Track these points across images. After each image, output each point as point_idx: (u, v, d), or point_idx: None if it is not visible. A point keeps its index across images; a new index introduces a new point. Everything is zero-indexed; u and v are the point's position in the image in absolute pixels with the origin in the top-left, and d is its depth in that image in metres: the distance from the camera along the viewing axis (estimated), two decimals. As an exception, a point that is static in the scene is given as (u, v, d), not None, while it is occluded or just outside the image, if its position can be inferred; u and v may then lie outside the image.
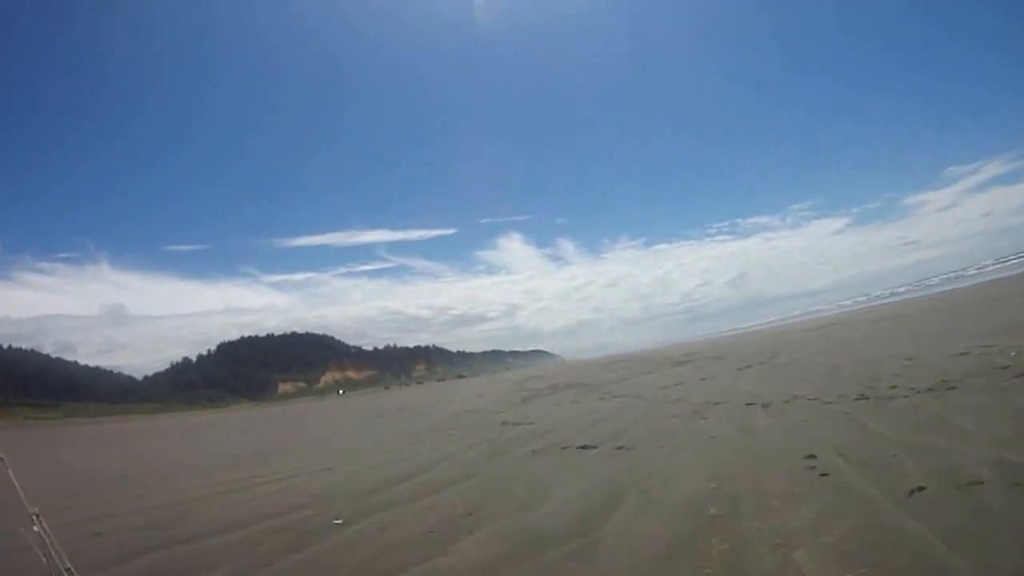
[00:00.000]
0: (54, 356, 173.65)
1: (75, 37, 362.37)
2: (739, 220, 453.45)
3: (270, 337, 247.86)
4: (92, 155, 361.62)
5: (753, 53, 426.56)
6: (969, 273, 74.87)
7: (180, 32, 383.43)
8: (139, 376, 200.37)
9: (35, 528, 3.63)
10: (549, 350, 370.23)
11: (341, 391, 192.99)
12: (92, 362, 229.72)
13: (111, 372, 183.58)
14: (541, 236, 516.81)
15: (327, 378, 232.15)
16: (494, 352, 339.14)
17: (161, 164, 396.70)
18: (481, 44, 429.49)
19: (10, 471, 3.83)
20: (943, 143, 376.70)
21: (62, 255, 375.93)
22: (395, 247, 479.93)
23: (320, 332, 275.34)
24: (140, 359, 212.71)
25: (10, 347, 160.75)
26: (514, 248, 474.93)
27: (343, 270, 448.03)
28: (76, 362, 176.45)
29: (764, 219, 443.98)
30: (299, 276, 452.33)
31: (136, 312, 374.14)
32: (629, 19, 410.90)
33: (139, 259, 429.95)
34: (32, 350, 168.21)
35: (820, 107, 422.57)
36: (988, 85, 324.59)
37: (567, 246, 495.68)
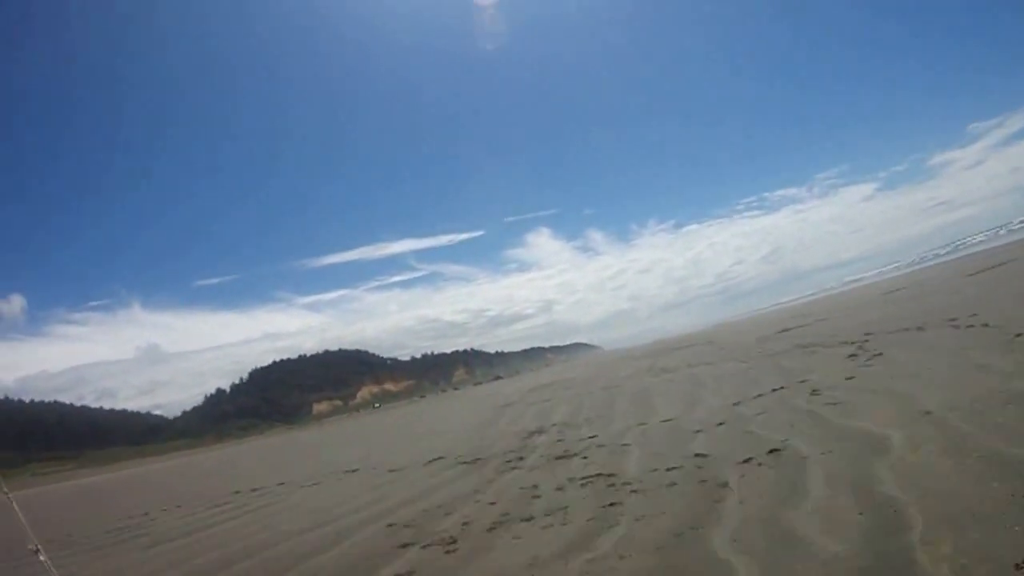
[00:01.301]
0: (79, 404, 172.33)
1: (89, 89, 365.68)
2: (767, 194, 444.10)
3: (302, 358, 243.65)
4: (113, 202, 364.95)
5: (766, 30, 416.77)
6: (1007, 231, 66.26)
7: (193, 69, 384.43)
8: (180, 411, 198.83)
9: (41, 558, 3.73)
10: (588, 342, 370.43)
11: (376, 405, 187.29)
12: (134, 404, 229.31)
13: (137, 414, 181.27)
14: (569, 229, 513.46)
15: (363, 393, 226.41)
16: (534, 349, 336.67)
17: (182, 202, 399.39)
18: (491, 46, 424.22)
19: (15, 504, 3.99)
20: (962, 100, 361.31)
21: (93, 303, 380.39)
22: (424, 255, 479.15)
23: (355, 348, 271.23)
24: (182, 395, 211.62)
25: (31, 401, 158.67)
26: (543, 243, 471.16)
27: (375, 284, 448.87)
28: (102, 407, 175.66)
29: (792, 191, 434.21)
30: (332, 294, 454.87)
31: (172, 350, 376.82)
32: (639, 5, 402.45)
33: (170, 297, 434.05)
34: (55, 401, 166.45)
35: (836, 76, 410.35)
36: (1002, 39, 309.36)
37: (596, 236, 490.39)
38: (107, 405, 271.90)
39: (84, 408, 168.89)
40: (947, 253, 68.66)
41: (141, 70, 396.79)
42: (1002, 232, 65.74)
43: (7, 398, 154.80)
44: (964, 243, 74.67)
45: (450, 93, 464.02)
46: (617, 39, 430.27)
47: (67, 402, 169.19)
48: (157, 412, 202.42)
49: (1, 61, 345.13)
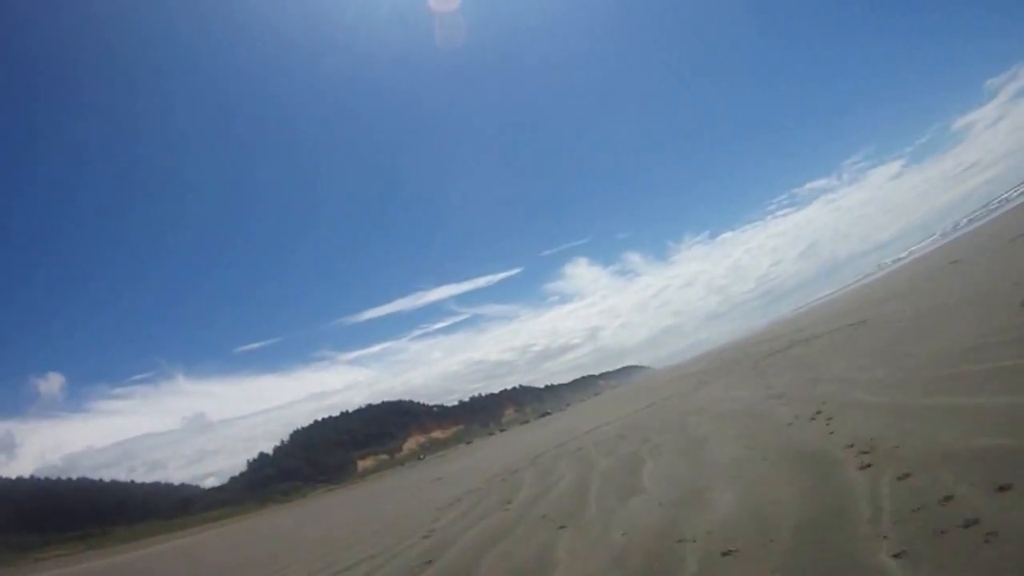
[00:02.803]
0: (126, 479, 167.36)
1: (118, 159, 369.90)
2: (796, 189, 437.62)
3: (344, 415, 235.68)
4: (148, 274, 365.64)
5: (773, 29, 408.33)
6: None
7: (218, 136, 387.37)
8: (228, 479, 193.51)
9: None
10: (639, 363, 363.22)
11: (421, 456, 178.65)
12: (185, 473, 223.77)
13: (170, 485, 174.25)
14: (606, 254, 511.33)
15: (410, 444, 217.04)
16: (584, 379, 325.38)
17: (218, 269, 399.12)
18: (508, 79, 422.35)
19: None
20: (974, 58, 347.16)
21: (136, 377, 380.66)
22: (464, 299, 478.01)
23: (398, 399, 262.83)
24: (233, 461, 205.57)
25: (59, 479, 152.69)
26: (581, 272, 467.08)
27: (418, 332, 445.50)
28: (133, 481, 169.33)
29: (821, 182, 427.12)
30: (375, 348, 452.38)
31: (218, 417, 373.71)
32: (658, 17, 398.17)
33: (213, 365, 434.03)
34: (81, 478, 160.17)
35: (847, 60, 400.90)
36: None
37: (634, 258, 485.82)
38: (158, 477, 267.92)
39: (113, 483, 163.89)
40: (981, 217, 65.33)
41: (165, 139, 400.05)
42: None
43: (22, 477, 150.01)
44: (995, 204, 72.28)
45: (472, 135, 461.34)
46: (634, 57, 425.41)
47: (97, 479, 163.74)
48: (210, 480, 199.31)
49: (35, 137, 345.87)
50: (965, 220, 76.09)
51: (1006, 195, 72.16)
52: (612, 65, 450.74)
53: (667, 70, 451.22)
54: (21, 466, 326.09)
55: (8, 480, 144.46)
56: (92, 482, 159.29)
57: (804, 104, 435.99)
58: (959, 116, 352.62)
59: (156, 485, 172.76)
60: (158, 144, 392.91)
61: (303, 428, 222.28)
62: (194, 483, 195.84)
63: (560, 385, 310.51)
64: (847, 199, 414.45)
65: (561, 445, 15.95)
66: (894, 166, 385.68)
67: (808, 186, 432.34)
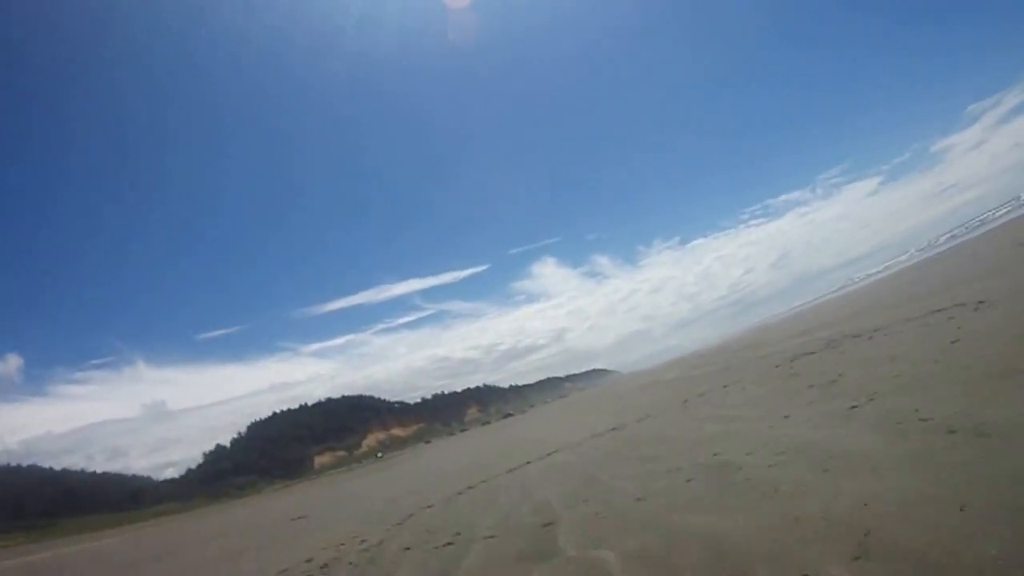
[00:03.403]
0: (84, 467, 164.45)
1: (84, 144, 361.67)
2: (770, 200, 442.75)
3: (303, 408, 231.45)
4: (111, 259, 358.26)
5: (754, 36, 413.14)
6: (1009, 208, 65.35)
7: (186, 121, 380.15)
8: (185, 470, 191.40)
9: None
10: (606, 367, 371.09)
11: (379, 454, 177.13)
12: (146, 462, 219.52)
13: (122, 476, 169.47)
14: (575, 255, 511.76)
15: (369, 441, 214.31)
16: (550, 380, 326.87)
17: (183, 255, 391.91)
18: (479, 76, 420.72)
19: None
20: (959, 83, 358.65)
21: (96, 362, 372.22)
22: (430, 294, 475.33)
23: (359, 393, 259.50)
24: (194, 451, 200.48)
25: (8, 465, 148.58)
26: (549, 272, 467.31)
27: (381, 326, 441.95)
28: (84, 470, 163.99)
29: (795, 194, 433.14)
30: (338, 340, 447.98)
31: (178, 406, 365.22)
32: (630, 23, 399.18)
33: (175, 353, 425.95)
34: (32, 465, 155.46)
35: (830, 75, 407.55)
36: (990, 18, 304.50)
37: (603, 260, 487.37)
38: (118, 465, 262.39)
39: (64, 472, 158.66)
40: (958, 236, 67.60)
41: (132, 124, 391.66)
42: (1004, 210, 64.95)
43: None
44: (973, 223, 74.31)
45: (442, 129, 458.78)
46: (605, 58, 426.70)
47: (47, 467, 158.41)
48: (169, 470, 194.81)
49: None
50: (941, 239, 78.01)
51: (983, 216, 74.35)
52: (592, 68, 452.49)
53: (649, 75, 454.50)
54: None
55: None
56: (42, 470, 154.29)
57: (782, 116, 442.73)
58: (939, 138, 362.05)
59: (108, 475, 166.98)
60: (131, 128, 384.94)
61: (261, 420, 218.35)
62: (154, 473, 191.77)
63: (525, 386, 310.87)
64: (821, 213, 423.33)
65: (488, 480, 13.74)
66: (871, 183, 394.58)
67: (783, 198, 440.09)
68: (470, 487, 13.33)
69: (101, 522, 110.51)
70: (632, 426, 13.63)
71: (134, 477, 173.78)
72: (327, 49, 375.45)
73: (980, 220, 70.23)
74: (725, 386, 13.99)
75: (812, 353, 13.67)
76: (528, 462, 14.33)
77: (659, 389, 23.69)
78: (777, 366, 13.98)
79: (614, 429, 13.83)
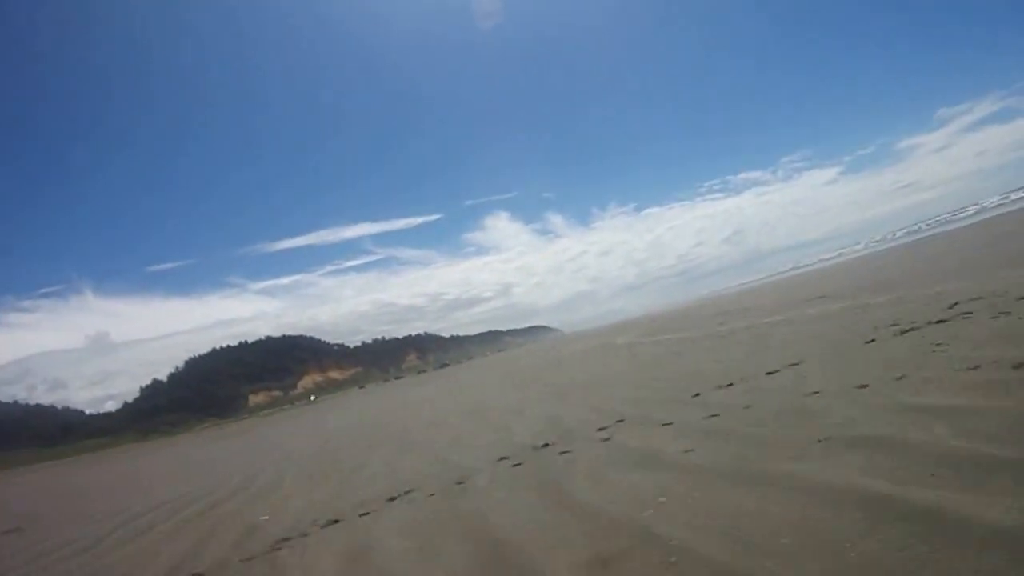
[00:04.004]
0: (26, 398, 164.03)
1: (45, 71, 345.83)
2: (730, 177, 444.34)
3: (243, 345, 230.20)
4: (67, 186, 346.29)
5: (733, 14, 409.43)
6: (968, 212, 70.08)
7: (157, 52, 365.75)
8: (123, 403, 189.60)
9: None
10: (548, 324, 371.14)
11: (312, 397, 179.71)
12: (87, 394, 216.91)
13: (54, 409, 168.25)
14: (528, 212, 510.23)
15: (306, 382, 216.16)
16: (491, 333, 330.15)
17: (137, 186, 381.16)
18: (455, 27, 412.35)
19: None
20: (932, 86, 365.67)
21: (44, 290, 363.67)
22: (381, 239, 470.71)
23: (299, 334, 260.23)
24: (133, 385, 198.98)
25: None
26: (502, 227, 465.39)
27: (330, 268, 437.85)
28: (16, 401, 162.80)
29: (756, 174, 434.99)
30: (286, 280, 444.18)
31: (121, 339, 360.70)
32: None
33: (123, 283, 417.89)
34: None
35: (805, 59, 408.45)
36: (973, 25, 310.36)
37: (556, 219, 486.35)
38: (58, 397, 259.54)
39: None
40: (905, 235, 71.86)
41: (102, 54, 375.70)
42: (970, 210, 66.49)
43: None
44: (922, 225, 75.56)
45: (407, 77, 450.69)
46: (578, 21, 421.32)
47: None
48: (109, 403, 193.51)
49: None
50: (894, 234, 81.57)
51: (939, 218, 78.42)
52: (565, 29, 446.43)
53: (624, 38, 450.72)
54: None
55: None
56: None
57: (753, 93, 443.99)
58: (905, 137, 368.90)
59: (39, 407, 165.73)
60: (98, 53, 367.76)
61: (199, 356, 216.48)
62: (94, 406, 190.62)
63: (466, 337, 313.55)
64: (779, 194, 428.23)
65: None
66: (831, 171, 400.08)
67: (743, 175, 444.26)
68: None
69: (21, 457, 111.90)
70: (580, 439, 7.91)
71: (65, 410, 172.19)
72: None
73: (937, 220, 74.02)
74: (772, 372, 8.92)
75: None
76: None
77: (611, 357, 22.39)
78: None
79: (544, 446, 7.90)
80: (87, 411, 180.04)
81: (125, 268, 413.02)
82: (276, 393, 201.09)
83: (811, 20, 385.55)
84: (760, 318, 18.79)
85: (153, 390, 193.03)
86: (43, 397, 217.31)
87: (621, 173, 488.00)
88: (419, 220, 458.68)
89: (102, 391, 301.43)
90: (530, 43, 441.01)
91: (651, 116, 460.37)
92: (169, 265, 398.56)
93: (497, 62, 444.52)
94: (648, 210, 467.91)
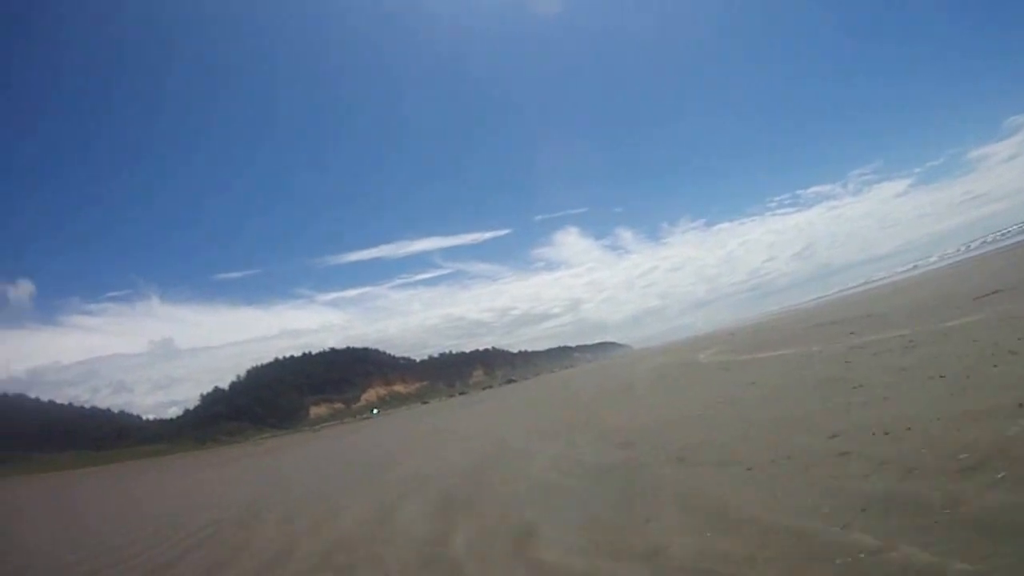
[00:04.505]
0: (88, 399, 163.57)
1: (116, 79, 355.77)
2: (800, 191, 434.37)
3: (307, 356, 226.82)
4: (136, 188, 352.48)
5: (800, 24, 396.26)
6: None
7: (223, 55, 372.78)
8: (183, 410, 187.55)
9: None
10: (617, 340, 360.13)
11: (375, 411, 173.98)
12: (151, 399, 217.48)
13: (108, 413, 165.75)
14: (598, 227, 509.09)
15: (369, 395, 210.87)
16: (560, 349, 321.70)
17: (208, 196, 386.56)
18: (522, 35, 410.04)
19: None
20: (1002, 93, 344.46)
21: (111, 295, 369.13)
22: (450, 253, 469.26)
23: (365, 347, 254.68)
24: (197, 392, 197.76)
25: None
26: (572, 242, 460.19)
27: (399, 281, 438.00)
28: (71, 404, 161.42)
29: (826, 187, 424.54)
30: (354, 292, 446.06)
31: (187, 344, 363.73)
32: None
33: (190, 291, 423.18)
34: (18, 395, 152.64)
35: (873, 70, 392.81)
36: None
37: (626, 235, 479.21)
38: (123, 400, 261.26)
39: (51, 404, 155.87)
40: (976, 248, 69.34)
41: (167, 63, 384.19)
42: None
43: None
44: (994, 237, 77.31)
45: (478, 91, 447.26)
46: (642, 31, 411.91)
47: (34, 397, 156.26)
48: (172, 408, 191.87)
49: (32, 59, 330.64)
50: (966, 247, 75.73)
51: (1010, 229, 72.67)
52: (633, 44, 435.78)
53: (690, 52, 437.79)
54: None
55: None
56: (28, 401, 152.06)
57: (822, 106, 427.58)
58: (974, 147, 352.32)
59: (95, 411, 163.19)
60: (165, 59, 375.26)
61: (261, 366, 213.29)
62: (158, 411, 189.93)
63: (534, 352, 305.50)
64: (850, 208, 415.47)
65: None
66: (901, 184, 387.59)
67: (813, 189, 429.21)
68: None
69: (66, 460, 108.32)
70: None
71: (121, 414, 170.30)
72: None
73: (1001, 234, 68.26)
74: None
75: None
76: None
77: (697, 379, 18.57)
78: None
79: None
80: (145, 416, 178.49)
81: (192, 276, 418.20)
82: (338, 405, 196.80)
83: (876, 31, 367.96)
84: (909, 326, 15.26)
85: (213, 398, 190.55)
86: (106, 400, 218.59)
87: (692, 188, 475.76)
88: (489, 235, 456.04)
89: (166, 396, 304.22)
90: (601, 59, 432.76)
91: (722, 130, 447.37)
92: (237, 274, 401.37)
93: (568, 76, 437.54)
94: (719, 225, 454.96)
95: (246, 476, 31.49)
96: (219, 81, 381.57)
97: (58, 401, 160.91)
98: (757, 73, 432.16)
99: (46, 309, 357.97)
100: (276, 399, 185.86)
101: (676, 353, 39.97)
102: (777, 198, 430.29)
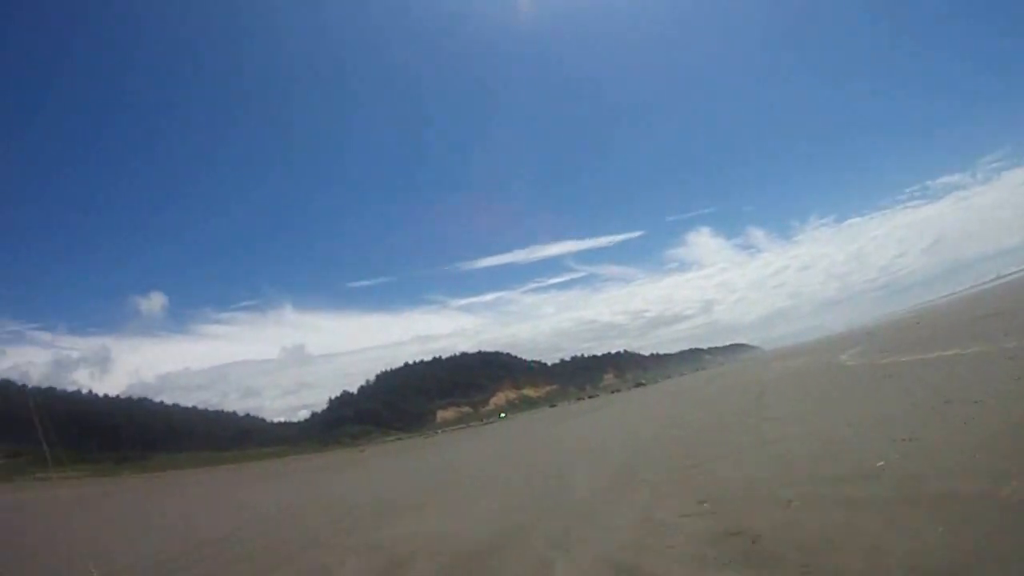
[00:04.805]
0: (170, 403, 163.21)
1: (245, 90, 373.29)
2: (928, 182, 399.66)
3: (436, 361, 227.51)
4: (268, 203, 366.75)
5: (924, 7, 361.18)
6: None
7: (357, 71, 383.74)
8: (311, 414, 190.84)
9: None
10: (748, 342, 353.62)
11: (503, 415, 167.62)
12: (281, 403, 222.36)
13: (233, 416, 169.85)
14: (729, 226, 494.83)
15: (498, 399, 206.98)
16: (692, 351, 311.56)
17: (339, 205, 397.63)
18: (649, 38, 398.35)
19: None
20: None
21: (244, 304, 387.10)
22: (583, 256, 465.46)
23: (495, 351, 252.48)
24: (327, 396, 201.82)
25: (128, 398, 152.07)
26: (703, 242, 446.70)
27: (532, 286, 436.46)
28: (195, 407, 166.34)
29: (955, 177, 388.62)
30: (487, 297, 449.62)
31: (319, 351, 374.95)
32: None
33: (322, 299, 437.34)
34: (142, 399, 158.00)
35: (996, 50, 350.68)
36: None
37: (757, 233, 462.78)
38: (252, 404, 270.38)
39: (176, 407, 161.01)
40: None
41: (297, 75, 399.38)
42: None
43: (93, 393, 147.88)
44: None
45: (608, 93, 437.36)
46: (770, 25, 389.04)
47: (158, 400, 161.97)
48: (302, 412, 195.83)
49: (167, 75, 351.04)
50: None
51: None
52: (758, 38, 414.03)
53: (814, 47, 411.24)
54: (115, 380, 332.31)
55: (73, 394, 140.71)
56: (152, 404, 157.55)
57: (949, 93, 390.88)
58: None
59: (218, 413, 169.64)
60: (294, 63, 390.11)
61: (391, 371, 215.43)
62: (289, 414, 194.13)
63: (666, 355, 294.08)
64: (980, 198, 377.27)
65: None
66: None
67: (942, 180, 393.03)
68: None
69: (183, 460, 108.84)
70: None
71: (247, 417, 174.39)
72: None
73: None
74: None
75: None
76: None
77: (852, 389, 14.46)
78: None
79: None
80: (274, 419, 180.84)
81: (326, 284, 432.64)
82: (466, 409, 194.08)
83: (992, 15, 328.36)
84: None
85: (341, 402, 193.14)
86: (236, 404, 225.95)
87: (820, 183, 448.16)
88: (621, 237, 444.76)
89: (297, 400, 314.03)
90: (730, 55, 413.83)
91: (849, 120, 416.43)
92: (369, 282, 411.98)
93: (696, 76, 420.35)
94: (849, 221, 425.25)
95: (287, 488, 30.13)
96: (361, 93, 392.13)
97: (183, 404, 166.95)
98: (878, 57, 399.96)
99: (178, 319, 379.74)
100: (403, 403, 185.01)
101: (813, 354, 36.06)
102: (907, 190, 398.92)
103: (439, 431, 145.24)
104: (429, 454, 41.82)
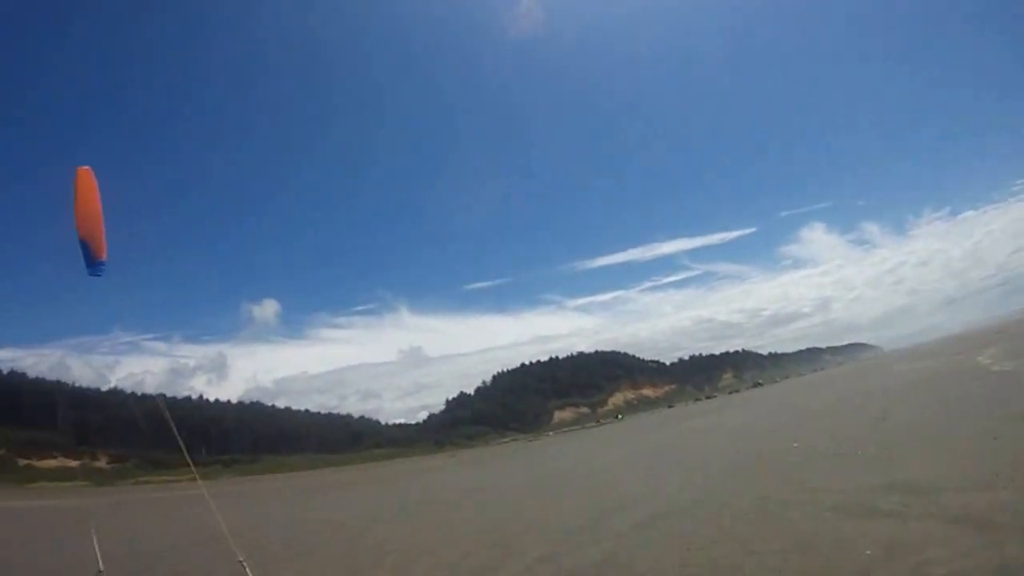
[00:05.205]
0: (282, 407, 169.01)
1: (352, 91, 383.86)
2: None
3: (553, 361, 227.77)
4: (384, 209, 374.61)
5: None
6: None
7: (472, 68, 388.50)
8: (428, 415, 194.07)
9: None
10: (867, 342, 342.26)
11: (620, 415, 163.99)
12: (401, 404, 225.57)
13: (347, 418, 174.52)
14: (843, 222, 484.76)
15: (616, 399, 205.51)
16: (810, 350, 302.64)
17: (455, 208, 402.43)
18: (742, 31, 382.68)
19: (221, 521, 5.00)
20: None
21: (360, 308, 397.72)
22: (698, 254, 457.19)
23: (614, 350, 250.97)
24: (445, 397, 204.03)
25: (239, 403, 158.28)
26: (817, 238, 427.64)
27: (648, 284, 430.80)
28: (307, 410, 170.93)
29: None
30: (605, 296, 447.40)
31: (437, 353, 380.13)
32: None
33: (438, 302, 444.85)
34: (255, 403, 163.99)
35: None
36: None
37: (871, 228, 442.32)
38: (372, 406, 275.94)
39: (287, 411, 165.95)
40: None
41: (413, 80, 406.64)
42: None
43: (204, 398, 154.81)
44: None
45: (719, 90, 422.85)
46: (886, 16, 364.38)
47: (270, 404, 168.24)
48: (422, 413, 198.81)
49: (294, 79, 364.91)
50: None
51: None
52: (880, 28, 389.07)
53: (923, 33, 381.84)
54: (232, 386, 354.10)
55: (183, 401, 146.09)
56: (264, 407, 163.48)
57: None
58: None
59: (330, 416, 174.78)
60: (413, 75, 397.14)
61: (507, 371, 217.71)
62: (406, 416, 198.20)
63: (784, 354, 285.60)
64: None
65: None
66: None
67: None
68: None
69: (295, 462, 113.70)
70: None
71: (361, 419, 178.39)
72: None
73: None
74: None
75: None
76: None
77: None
78: None
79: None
80: (393, 421, 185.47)
81: (441, 287, 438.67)
82: (583, 410, 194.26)
83: None
84: None
85: (458, 403, 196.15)
86: (355, 407, 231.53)
87: (934, 174, 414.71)
88: (734, 234, 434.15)
89: (416, 401, 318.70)
90: (837, 56, 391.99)
91: (960, 106, 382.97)
92: (485, 284, 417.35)
93: (810, 69, 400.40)
94: (964, 214, 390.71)
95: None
96: (466, 95, 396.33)
97: (295, 408, 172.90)
98: (985, 44, 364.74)
99: (293, 324, 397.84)
100: (519, 404, 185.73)
101: (941, 356, 32.86)
102: (1021, 181, 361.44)
103: (549, 433, 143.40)
104: (518, 463, 39.57)
